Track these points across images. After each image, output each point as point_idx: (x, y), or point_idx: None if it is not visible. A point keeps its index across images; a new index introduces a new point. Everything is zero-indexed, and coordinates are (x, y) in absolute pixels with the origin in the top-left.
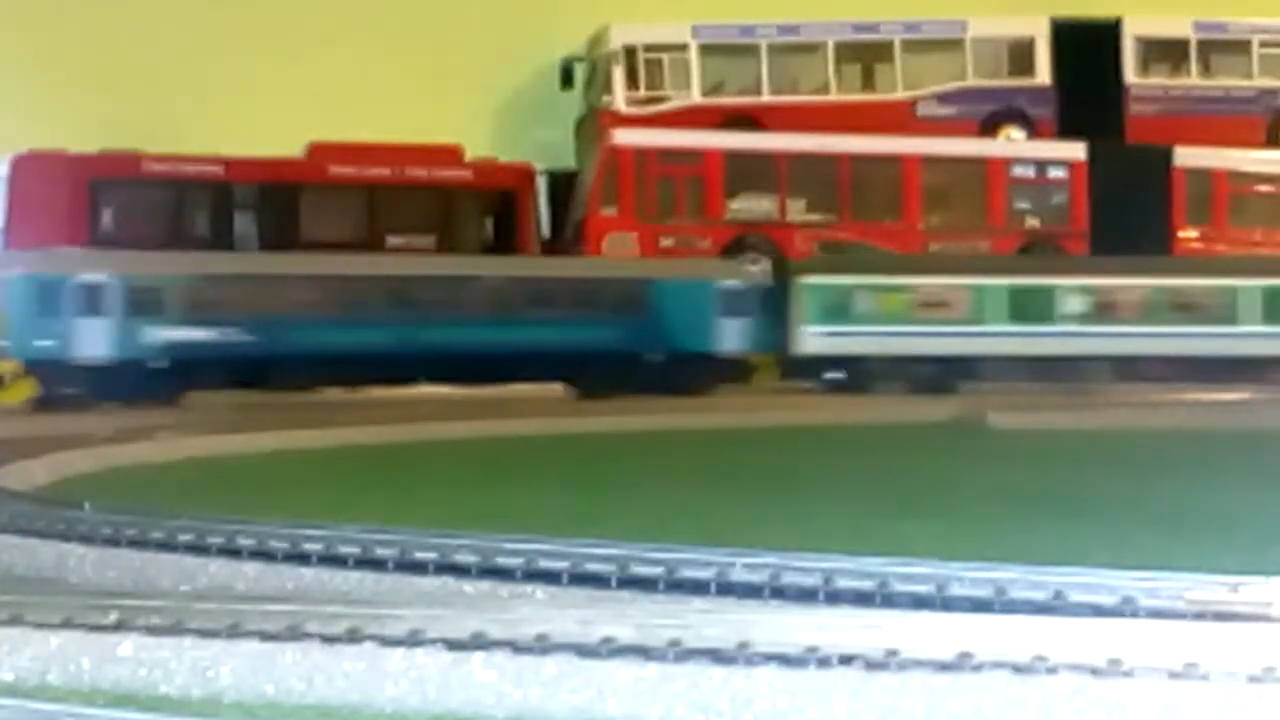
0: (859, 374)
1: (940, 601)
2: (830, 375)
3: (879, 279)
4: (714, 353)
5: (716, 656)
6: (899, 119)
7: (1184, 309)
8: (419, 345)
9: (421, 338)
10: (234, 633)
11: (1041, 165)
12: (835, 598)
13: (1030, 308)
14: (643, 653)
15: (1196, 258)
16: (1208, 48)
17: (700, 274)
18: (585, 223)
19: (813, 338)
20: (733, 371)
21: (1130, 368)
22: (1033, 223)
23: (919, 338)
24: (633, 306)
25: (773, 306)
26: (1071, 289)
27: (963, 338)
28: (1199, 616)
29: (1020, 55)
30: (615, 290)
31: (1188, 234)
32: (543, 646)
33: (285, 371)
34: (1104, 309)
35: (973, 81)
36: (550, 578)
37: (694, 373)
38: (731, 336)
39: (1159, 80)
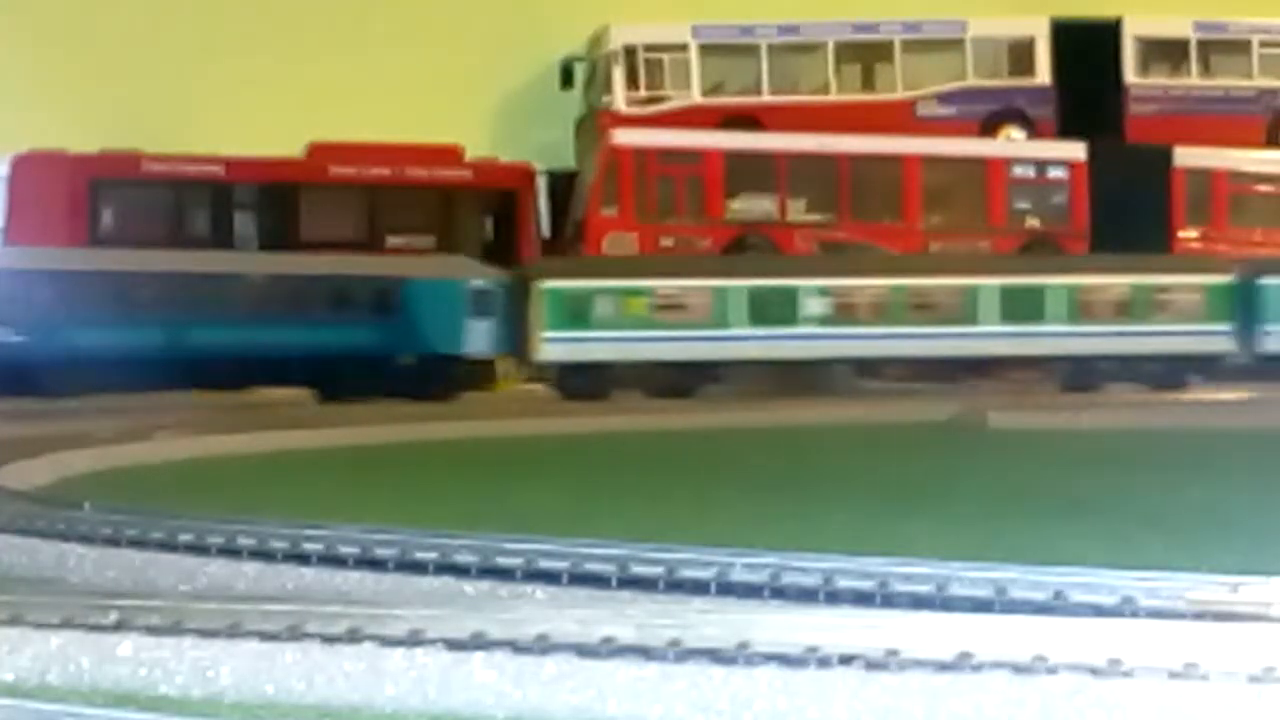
0: (600, 380)
1: (940, 601)
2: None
3: (617, 283)
4: (463, 356)
5: (716, 656)
6: (899, 119)
7: (924, 309)
8: (159, 349)
9: (161, 341)
10: (234, 633)
11: (1041, 165)
12: (835, 598)
13: (771, 310)
14: (643, 653)
15: (934, 257)
16: (1208, 48)
17: (450, 273)
18: (585, 223)
19: (550, 344)
20: (483, 376)
21: (872, 369)
22: (1033, 223)
23: (659, 343)
24: (384, 307)
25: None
26: (812, 290)
27: (704, 342)
28: (1199, 616)
29: (1020, 55)
30: (366, 290)
31: (1188, 234)
32: (543, 646)
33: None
34: (844, 310)
35: (973, 81)
36: (550, 578)
37: (444, 376)
38: (480, 339)
39: (1159, 80)
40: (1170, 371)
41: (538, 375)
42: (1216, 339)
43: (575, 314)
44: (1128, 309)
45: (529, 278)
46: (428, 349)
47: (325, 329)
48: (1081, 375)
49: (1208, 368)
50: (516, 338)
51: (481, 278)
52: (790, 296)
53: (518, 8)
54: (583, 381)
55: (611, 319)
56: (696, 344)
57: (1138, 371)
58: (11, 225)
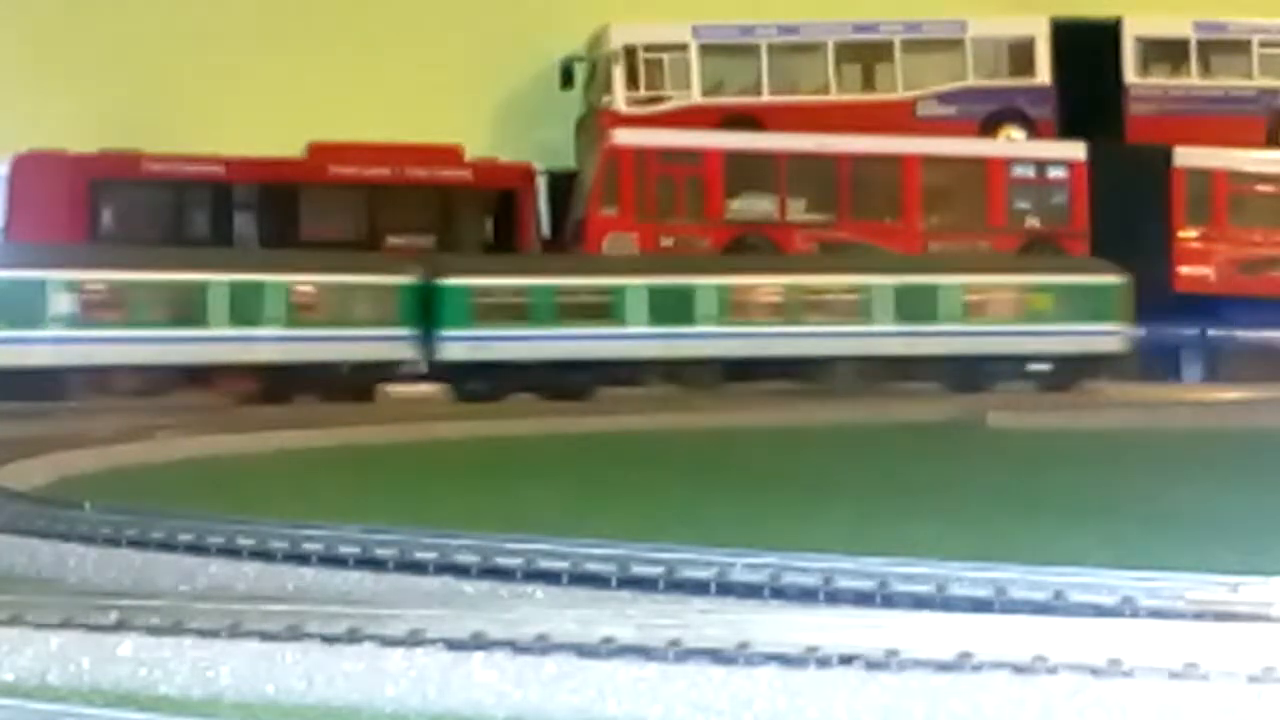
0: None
1: (940, 601)
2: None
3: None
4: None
5: (716, 656)
6: (899, 119)
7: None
8: None
9: None
10: (234, 633)
11: (1041, 165)
12: (835, 598)
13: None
14: (643, 653)
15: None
16: (1208, 48)
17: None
18: (585, 223)
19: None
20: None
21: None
22: (1033, 223)
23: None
24: None
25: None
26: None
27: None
28: (1199, 616)
29: (1020, 55)
30: None
31: (1188, 234)
32: (543, 646)
33: None
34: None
35: (973, 81)
36: (550, 578)
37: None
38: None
39: (1159, 80)
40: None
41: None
42: (396, 345)
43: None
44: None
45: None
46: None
47: None
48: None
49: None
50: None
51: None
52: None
53: (518, 8)
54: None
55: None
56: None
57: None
58: (11, 225)
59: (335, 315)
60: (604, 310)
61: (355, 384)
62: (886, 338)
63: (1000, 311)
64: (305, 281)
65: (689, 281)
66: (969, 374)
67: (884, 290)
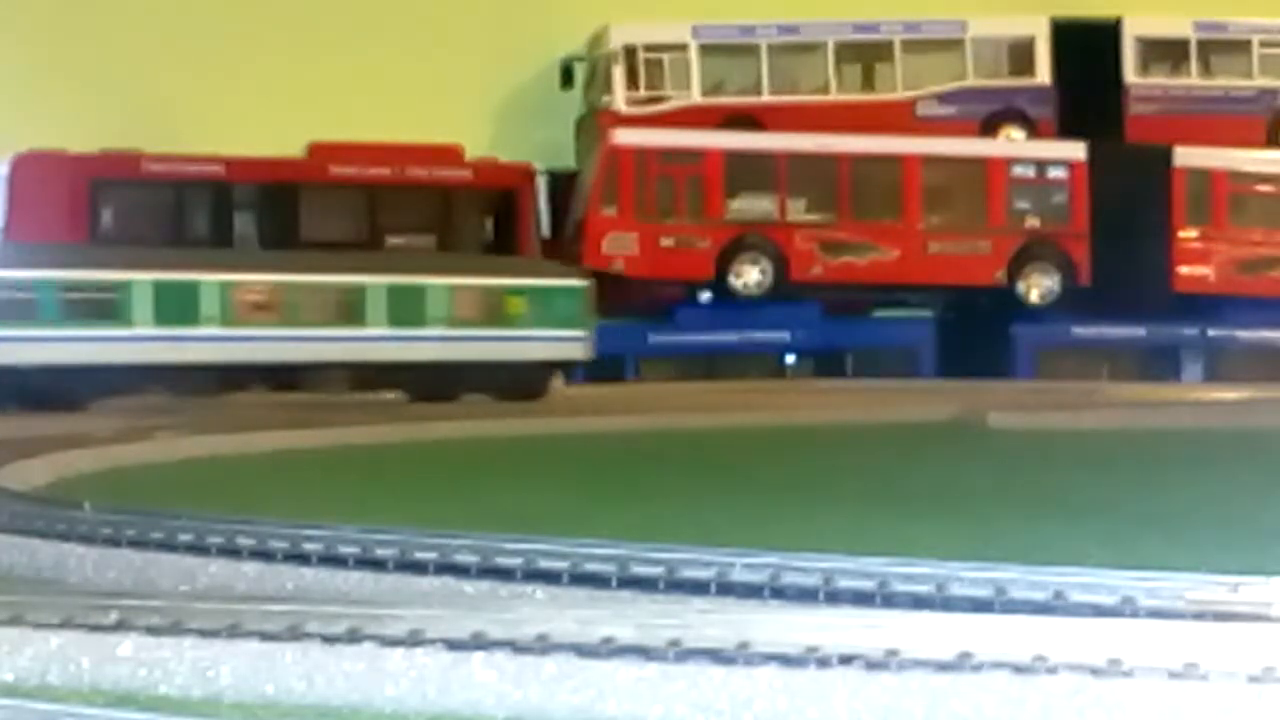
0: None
1: (940, 601)
2: None
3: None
4: None
5: (716, 656)
6: (899, 119)
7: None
8: None
9: None
10: (234, 633)
11: (1041, 165)
12: (835, 598)
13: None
14: (643, 653)
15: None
16: (1208, 48)
17: None
18: (585, 223)
19: None
20: None
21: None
22: (1033, 222)
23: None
24: None
25: None
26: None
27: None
28: (1199, 616)
29: (1020, 55)
30: None
31: (1188, 234)
32: (543, 646)
33: None
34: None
35: (973, 81)
36: (550, 578)
37: None
38: None
39: (1159, 80)
40: None
41: None
42: None
43: None
44: None
45: None
46: None
47: None
48: None
49: None
50: None
51: None
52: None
53: (518, 8)
54: None
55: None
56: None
57: None
58: (11, 225)
59: None
60: (107, 309)
61: None
62: (378, 343)
63: (475, 315)
64: None
65: (193, 278)
66: (440, 382)
67: (377, 291)
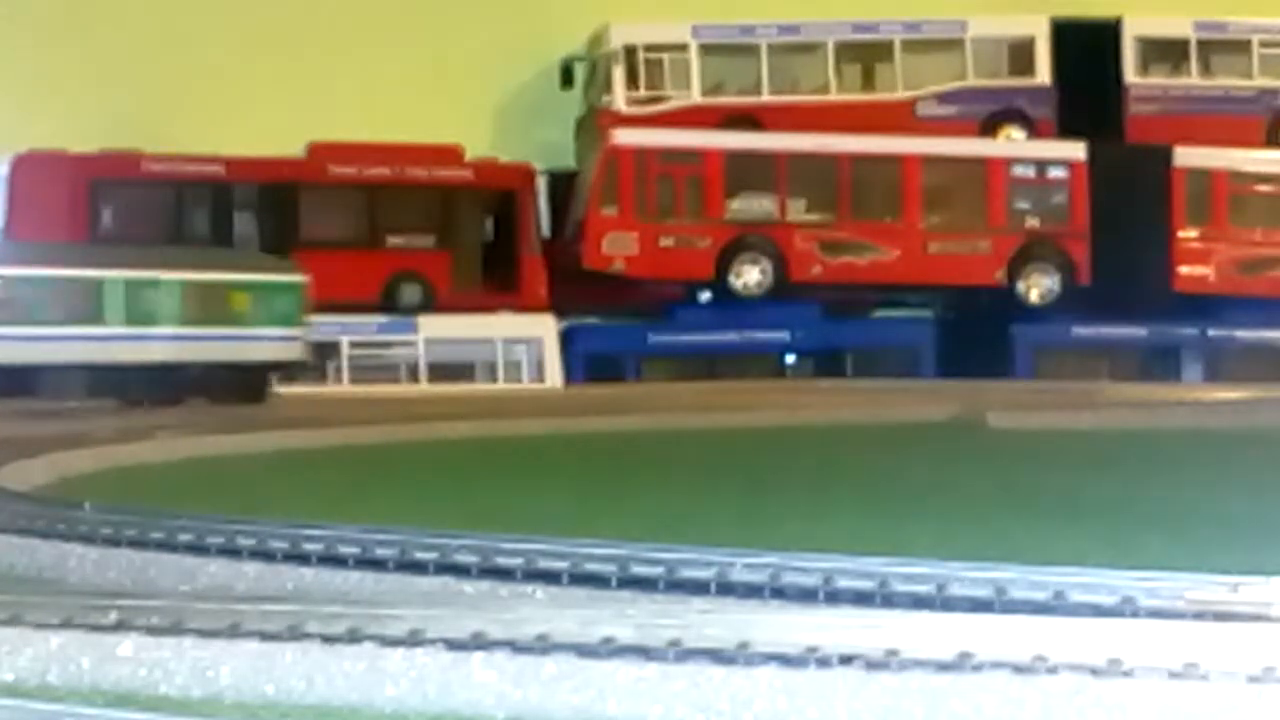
0: None
1: (940, 601)
2: None
3: None
4: None
5: (716, 656)
6: (899, 119)
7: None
8: None
9: None
10: (234, 633)
11: (1041, 165)
12: (835, 598)
13: None
14: (643, 653)
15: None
16: (1208, 48)
17: None
18: (585, 223)
19: None
20: None
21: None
22: (1033, 222)
23: None
24: None
25: None
26: None
27: None
28: (1199, 616)
29: (1020, 55)
30: None
31: (1187, 234)
32: (543, 646)
33: None
34: None
35: (973, 81)
36: (550, 578)
37: None
38: None
39: (1159, 80)
40: None
41: None
42: None
43: None
44: None
45: None
46: None
47: None
48: None
49: None
50: None
51: None
52: None
53: (518, 8)
54: None
55: None
56: None
57: None
58: (11, 225)
59: None
60: None
61: None
62: (116, 342)
63: (203, 313)
64: None
65: None
66: (166, 385)
67: (115, 285)
